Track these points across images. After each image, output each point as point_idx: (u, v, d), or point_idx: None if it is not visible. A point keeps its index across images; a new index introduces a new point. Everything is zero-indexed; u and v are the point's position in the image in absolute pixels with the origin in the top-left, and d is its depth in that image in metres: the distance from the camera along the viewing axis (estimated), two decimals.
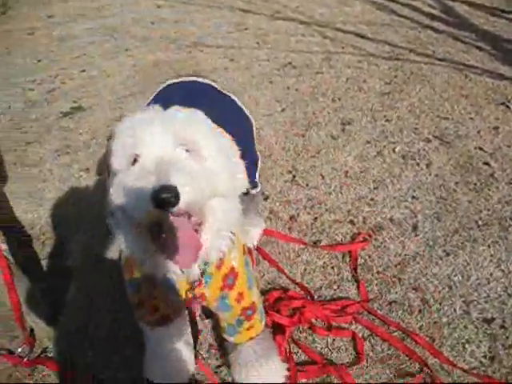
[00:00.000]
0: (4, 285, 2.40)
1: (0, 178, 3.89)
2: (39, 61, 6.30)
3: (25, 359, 2.50)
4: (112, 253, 3.01)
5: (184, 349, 2.24)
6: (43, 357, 2.57)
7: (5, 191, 3.76)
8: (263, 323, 2.06)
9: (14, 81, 5.86)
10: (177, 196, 1.27)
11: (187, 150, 1.44)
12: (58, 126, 4.77)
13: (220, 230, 1.55)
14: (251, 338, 2.03)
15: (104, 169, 1.58)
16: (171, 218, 1.34)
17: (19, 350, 2.59)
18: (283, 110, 4.47)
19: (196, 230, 1.44)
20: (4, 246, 3.17)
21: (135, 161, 1.42)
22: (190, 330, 2.35)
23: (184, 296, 1.77)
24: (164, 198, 1.26)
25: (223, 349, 2.38)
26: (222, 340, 2.37)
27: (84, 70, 5.92)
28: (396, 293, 2.66)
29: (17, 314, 2.47)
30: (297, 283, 2.76)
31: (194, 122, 1.52)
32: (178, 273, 1.55)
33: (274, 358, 2.18)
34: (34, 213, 3.58)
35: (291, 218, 3.23)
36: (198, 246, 1.42)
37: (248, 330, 1.99)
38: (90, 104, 5.13)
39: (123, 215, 1.46)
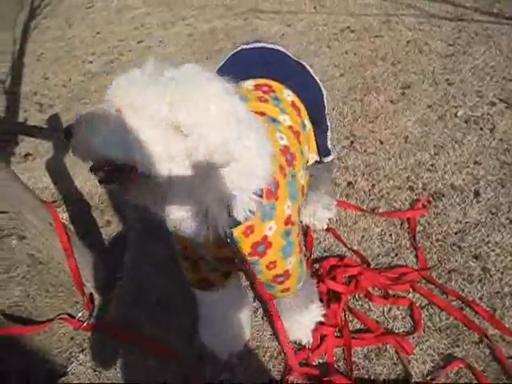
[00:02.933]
0: (64, 252, 2.46)
1: (62, 149, 3.98)
2: (98, 33, 6.38)
3: (85, 323, 2.58)
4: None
5: (239, 314, 2.26)
6: (102, 321, 2.64)
7: (65, 161, 3.85)
8: (301, 283, 2.01)
9: (74, 54, 5.98)
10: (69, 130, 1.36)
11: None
12: None
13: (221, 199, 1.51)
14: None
15: None
16: None
17: (79, 314, 2.68)
18: (341, 75, 4.37)
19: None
20: (64, 215, 3.27)
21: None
22: (247, 295, 2.36)
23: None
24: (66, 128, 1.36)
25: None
26: None
27: (141, 41, 5.95)
28: (456, 261, 2.59)
29: (76, 280, 2.54)
30: (353, 251, 2.72)
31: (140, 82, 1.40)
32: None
33: (310, 306, 2.22)
34: (93, 182, 3.64)
35: (349, 184, 3.17)
36: None
37: (282, 291, 1.97)
38: None
39: None
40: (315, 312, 2.30)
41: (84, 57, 5.82)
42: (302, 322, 2.26)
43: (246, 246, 1.68)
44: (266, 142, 1.60)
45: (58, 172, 3.81)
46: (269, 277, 1.86)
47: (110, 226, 3.32)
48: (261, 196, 1.59)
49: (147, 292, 2.70)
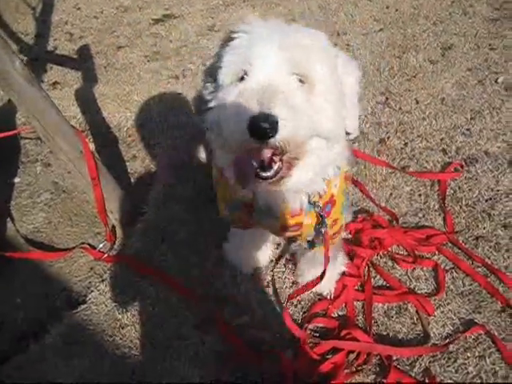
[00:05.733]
0: (91, 181, 2.45)
1: (91, 80, 3.95)
2: None
3: (105, 255, 2.58)
4: (196, 159, 3.01)
5: (262, 244, 2.36)
6: (123, 254, 2.64)
7: (94, 92, 3.82)
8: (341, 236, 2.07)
9: None
10: (274, 129, 1.21)
11: (300, 81, 1.35)
12: (148, 32, 4.76)
13: (315, 170, 1.49)
14: None
15: (207, 77, 1.53)
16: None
17: (101, 245, 2.69)
18: (381, 29, 4.25)
19: (289, 164, 1.36)
20: (92, 146, 3.25)
21: (242, 79, 1.36)
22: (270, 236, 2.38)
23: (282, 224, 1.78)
24: (261, 128, 1.20)
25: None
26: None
27: None
28: (484, 228, 2.55)
29: (101, 210, 2.54)
30: (381, 207, 2.69)
31: (315, 49, 1.39)
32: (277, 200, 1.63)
33: (338, 257, 2.24)
34: (122, 114, 3.62)
35: (381, 140, 3.12)
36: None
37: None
38: (181, 12, 5.07)
39: (219, 135, 1.42)
40: (340, 262, 2.30)
41: None
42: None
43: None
44: None
45: (86, 102, 3.78)
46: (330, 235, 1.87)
47: (135, 161, 3.30)
48: None
49: (171, 229, 2.69)
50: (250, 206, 1.76)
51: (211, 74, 1.49)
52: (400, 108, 3.36)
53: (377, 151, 3.05)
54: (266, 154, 1.30)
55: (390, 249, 2.49)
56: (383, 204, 2.72)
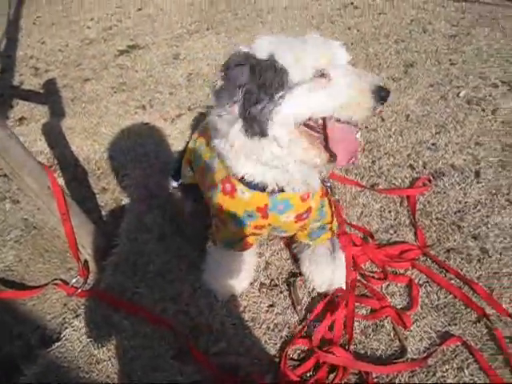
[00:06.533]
0: (60, 216, 2.42)
1: (57, 114, 3.93)
2: None
3: (79, 290, 2.54)
4: (165, 189, 3.00)
5: (243, 265, 2.37)
6: (97, 288, 2.61)
7: (62, 127, 3.80)
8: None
9: (72, 19, 5.90)
10: (389, 92, 1.55)
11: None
12: (114, 64, 4.78)
13: None
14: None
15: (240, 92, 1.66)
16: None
17: (73, 280, 2.64)
18: None
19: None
20: (59, 180, 3.22)
21: (322, 75, 1.58)
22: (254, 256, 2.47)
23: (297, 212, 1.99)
24: (388, 91, 1.54)
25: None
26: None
27: (140, 9, 5.90)
28: (455, 241, 2.58)
29: (72, 246, 2.51)
30: (353, 225, 2.70)
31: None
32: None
33: (341, 254, 2.34)
34: (90, 147, 3.61)
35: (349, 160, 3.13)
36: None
37: (325, 234, 2.24)
38: (146, 42, 5.11)
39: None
40: (337, 262, 2.35)
41: (82, 22, 5.75)
42: (325, 270, 2.37)
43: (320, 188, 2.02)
44: None
45: (53, 136, 3.76)
46: (329, 218, 2.19)
47: (105, 194, 3.28)
48: None
49: (142, 260, 2.67)
50: (265, 207, 1.93)
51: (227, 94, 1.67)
52: (366, 127, 3.40)
53: (345, 170, 3.07)
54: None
55: (363, 266, 2.50)
56: (354, 223, 2.73)
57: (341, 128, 1.63)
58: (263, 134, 1.62)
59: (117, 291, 2.54)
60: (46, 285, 2.63)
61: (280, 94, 1.57)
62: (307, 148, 1.66)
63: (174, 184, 2.51)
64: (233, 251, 2.24)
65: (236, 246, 2.19)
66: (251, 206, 1.93)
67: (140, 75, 4.52)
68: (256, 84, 1.59)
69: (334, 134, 1.64)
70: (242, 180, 1.85)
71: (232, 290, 2.43)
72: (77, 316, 2.48)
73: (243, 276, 2.41)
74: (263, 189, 1.84)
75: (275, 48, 1.61)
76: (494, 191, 2.82)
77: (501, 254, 2.48)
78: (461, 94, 3.60)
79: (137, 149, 3.51)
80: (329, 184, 2.06)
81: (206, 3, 5.72)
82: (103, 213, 3.16)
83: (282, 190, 1.86)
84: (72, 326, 2.42)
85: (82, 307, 2.51)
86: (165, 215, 2.88)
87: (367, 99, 1.53)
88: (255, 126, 1.62)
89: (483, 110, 3.42)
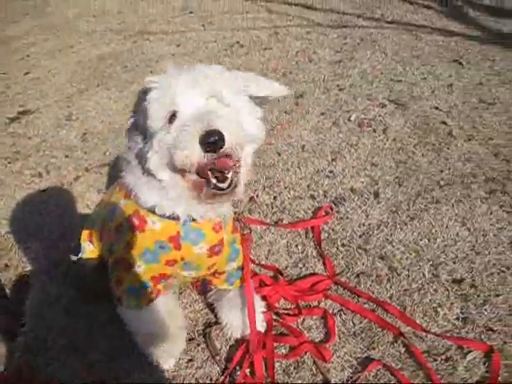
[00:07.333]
0: None
1: None
2: None
3: None
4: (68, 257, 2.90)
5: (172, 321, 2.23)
6: (8, 372, 2.47)
7: None
8: None
9: None
10: (222, 139, 1.46)
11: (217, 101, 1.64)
12: (5, 133, 4.62)
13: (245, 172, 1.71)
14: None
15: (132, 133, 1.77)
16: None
17: None
18: None
19: (235, 167, 1.60)
20: None
21: (172, 118, 1.57)
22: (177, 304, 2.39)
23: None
24: (213, 141, 1.45)
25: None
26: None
27: (28, 72, 5.76)
28: (363, 264, 2.60)
29: None
30: (262, 265, 2.68)
31: (219, 75, 1.69)
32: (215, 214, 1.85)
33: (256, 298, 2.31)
34: None
35: (251, 199, 3.14)
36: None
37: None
38: (37, 106, 4.99)
39: (169, 169, 1.63)
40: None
41: None
42: (241, 314, 2.30)
43: (230, 223, 2.04)
44: None
45: None
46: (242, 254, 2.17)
47: (8, 271, 3.13)
48: None
49: (51, 336, 2.55)
50: (177, 235, 1.87)
51: (136, 128, 1.75)
52: (264, 164, 3.42)
53: (248, 210, 3.06)
54: (224, 161, 1.53)
55: (277, 305, 2.47)
56: (263, 262, 2.71)
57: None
58: (147, 171, 1.68)
59: (30, 372, 2.41)
60: None
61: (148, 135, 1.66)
62: (184, 186, 1.68)
63: (74, 258, 2.42)
64: (140, 310, 2.08)
65: (142, 298, 2.04)
66: (163, 236, 1.88)
67: (33, 141, 4.39)
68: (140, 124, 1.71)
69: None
70: (152, 211, 1.84)
71: (177, 351, 2.33)
72: None
73: (175, 334, 2.28)
74: (175, 218, 1.84)
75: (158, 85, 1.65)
76: (394, 209, 2.87)
77: (408, 270, 2.52)
78: (352, 118, 3.69)
79: (35, 219, 3.38)
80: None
81: (94, 59, 5.67)
82: (8, 291, 3.01)
83: (194, 220, 1.85)
84: None
85: None
86: (71, 282, 2.77)
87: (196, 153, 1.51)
88: (142, 162, 1.68)
89: (374, 131, 3.51)
